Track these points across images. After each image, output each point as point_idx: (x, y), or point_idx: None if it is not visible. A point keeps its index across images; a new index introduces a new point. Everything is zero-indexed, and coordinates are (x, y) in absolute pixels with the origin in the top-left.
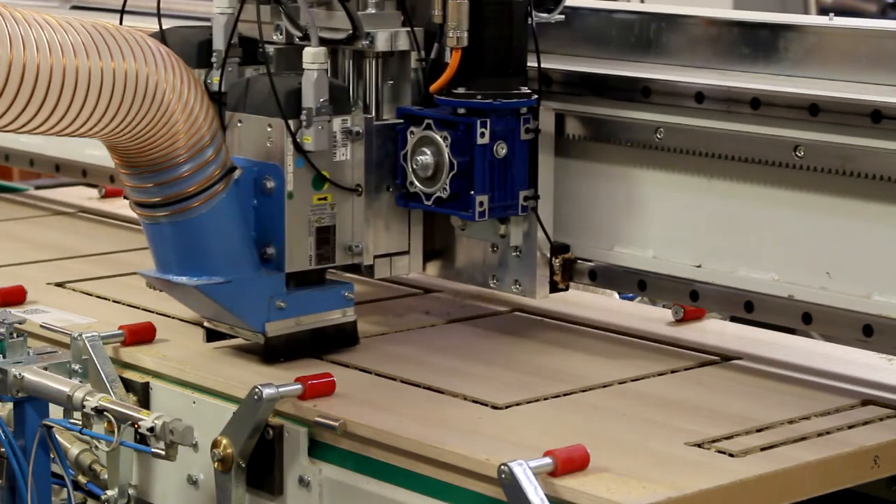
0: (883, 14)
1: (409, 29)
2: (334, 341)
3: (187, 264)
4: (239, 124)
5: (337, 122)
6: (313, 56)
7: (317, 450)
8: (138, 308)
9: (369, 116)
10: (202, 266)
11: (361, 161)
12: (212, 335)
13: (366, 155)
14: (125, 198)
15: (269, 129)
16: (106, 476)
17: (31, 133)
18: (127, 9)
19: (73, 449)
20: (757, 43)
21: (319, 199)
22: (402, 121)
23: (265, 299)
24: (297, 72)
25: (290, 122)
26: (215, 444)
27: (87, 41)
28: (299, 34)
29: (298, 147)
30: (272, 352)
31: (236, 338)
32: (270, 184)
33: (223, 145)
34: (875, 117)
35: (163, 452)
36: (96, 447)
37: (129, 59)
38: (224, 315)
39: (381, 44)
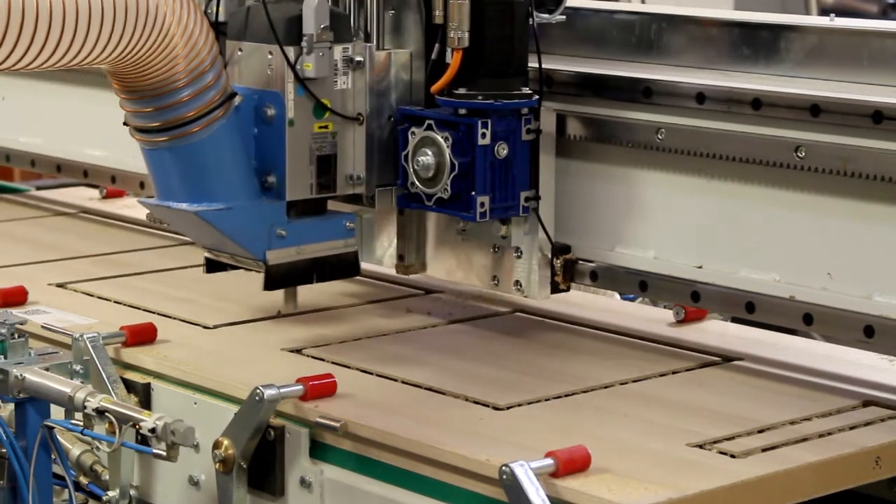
0: (884, 15)
1: None
2: (335, 271)
3: (188, 191)
4: (240, 53)
5: (338, 50)
6: None
7: (318, 451)
8: (139, 309)
9: (370, 45)
10: (202, 192)
11: (363, 90)
12: (212, 265)
13: (367, 84)
14: (125, 124)
15: (269, 57)
16: (107, 477)
17: (35, 69)
18: None
19: (75, 450)
20: (758, 43)
21: (320, 128)
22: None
23: (266, 227)
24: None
25: (291, 49)
26: (216, 445)
27: None
28: None
29: (297, 75)
30: (273, 280)
31: (237, 268)
32: (271, 111)
33: (223, 71)
34: (876, 118)
35: (164, 453)
36: (98, 448)
37: None
38: (225, 244)
39: None
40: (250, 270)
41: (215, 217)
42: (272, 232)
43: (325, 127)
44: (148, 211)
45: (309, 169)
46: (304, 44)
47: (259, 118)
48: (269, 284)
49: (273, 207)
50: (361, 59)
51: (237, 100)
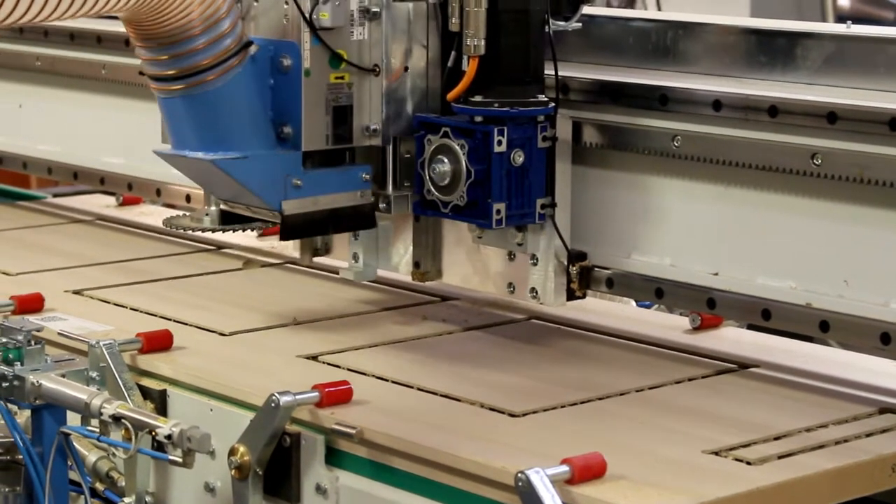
0: None
1: None
2: (351, 222)
3: (203, 140)
4: (256, 4)
5: (354, 1)
6: None
7: (334, 457)
8: (155, 316)
9: None
10: (218, 141)
11: (380, 41)
12: (227, 217)
13: (384, 35)
14: (141, 73)
15: (285, 7)
16: (123, 483)
17: (55, 19)
18: None
19: (91, 456)
20: (774, 51)
21: (336, 79)
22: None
23: (282, 177)
24: None
25: None
26: (232, 452)
27: None
28: None
29: (312, 25)
30: (289, 230)
31: (253, 220)
32: (287, 62)
33: (239, 20)
34: (893, 125)
35: (180, 460)
36: (114, 454)
37: None
38: (241, 194)
39: None
40: (267, 222)
41: (231, 166)
42: (288, 182)
43: (342, 78)
44: (166, 216)
45: (325, 120)
46: None
47: (275, 69)
48: (286, 234)
49: (289, 158)
50: (378, 9)
51: (253, 49)
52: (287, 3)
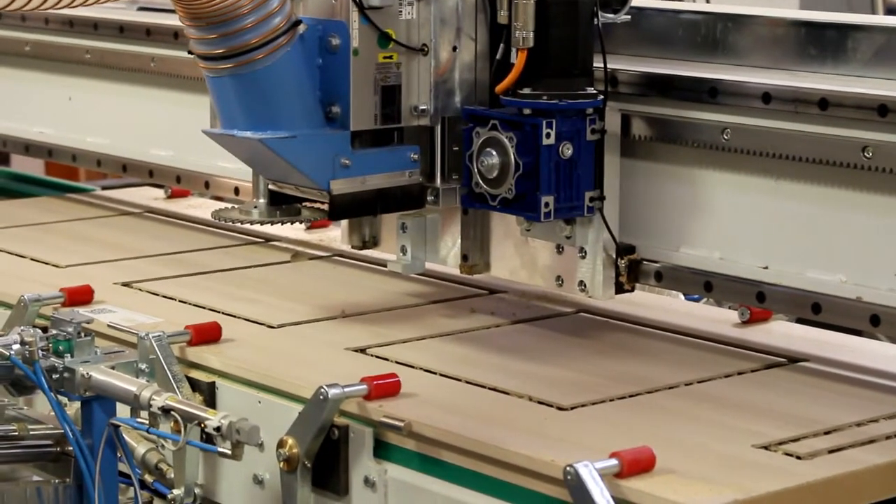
0: None
1: None
2: (399, 202)
3: (252, 119)
4: None
5: None
6: None
7: (382, 450)
8: (204, 308)
9: None
10: (267, 120)
11: (429, 21)
12: (276, 198)
13: (433, 15)
14: (189, 52)
15: None
16: (172, 475)
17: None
18: None
19: (140, 448)
20: (824, 43)
21: (385, 58)
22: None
23: (330, 156)
24: None
25: None
26: (281, 444)
27: None
28: None
29: (361, 4)
30: (337, 209)
31: (302, 200)
32: (336, 41)
33: (290, 0)
34: None
35: (229, 452)
36: (163, 446)
37: None
38: (289, 174)
39: None
40: (314, 202)
41: (279, 145)
42: (336, 161)
43: (390, 57)
44: (214, 209)
45: (373, 99)
46: None
47: (324, 48)
48: (334, 214)
49: (337, 137)
50: None
51: (301, 28)
52: None
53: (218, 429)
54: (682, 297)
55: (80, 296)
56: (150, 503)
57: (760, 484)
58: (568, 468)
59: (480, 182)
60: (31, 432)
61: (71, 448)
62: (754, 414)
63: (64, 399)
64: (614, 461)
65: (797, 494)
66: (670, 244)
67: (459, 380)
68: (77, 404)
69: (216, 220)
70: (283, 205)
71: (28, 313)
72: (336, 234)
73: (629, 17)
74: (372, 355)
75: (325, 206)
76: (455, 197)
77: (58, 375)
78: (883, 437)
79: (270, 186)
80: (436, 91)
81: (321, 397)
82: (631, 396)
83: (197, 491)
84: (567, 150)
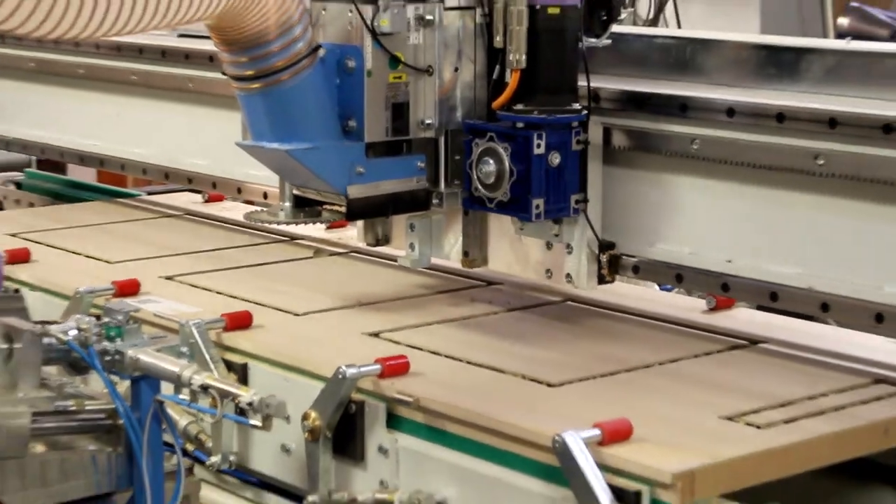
0: (893, 38)
1: None
2: (408, 205)
3: (278, 132)
4: (324, 12)
5: (410, 9)
6: None
7: (393, 422)
8: (237, 298)
9: (440, 5)
10: (292, 134)
11: (433, 45)
12: (300, 201)
13: (437, 40)
14: (223, 74)
15: (349, 15)
16: (210, 444)
17: (152, 28)
18: None
19: (182, 420)
20: (781, 63)
21: (395, 78)
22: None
23: (347, 165)
24: None
25: (369, 8)
26: (305, 417)
27: None
28: None
29: (373, 31)
30: (353, 212)
31: (323, 203)
32: (352, 63)
33: (309, 26)
34: (887, 129)
35: (260, 424)
36: (202, 419)
37: None
38: (311, 180)
39: None
40: (333, 205)
41: (303, 155)
42: (353, 169)
43: (399, 77)
44: (246, 211)
45: (385, 114)
46: (380, 2)
47: (341, 70)
48: (351, 215)
49: (353, 148)
50: (432, 17)
51: (321, 52)
52: (351, 11)
53: (250, 404)
54: (656, 287)
55: (129, 288)
56: (191, 469)
57: (724, 450)
58: (556, 437)
59: (479, 187)
60: (87, 407)
61: (122, 421)
62: (719, 389)
63: (115, 378)
64: (597, 431)
65: (757, 459)
66: (646, 241)
67: (461, 360)
68: (127, 383)
69: (247, 221)
70: (305, 207)
71: (83, 304)
72: (352, 233)
73: (610, 41)
74: (385, 339)
75: (343, 209)
76: (457, 200)
77: (109, 358)
78: (832, 409)
79: (295, 191)
80: (440, 107)
81: (340, 376)
82: (611, 374)
83: (232, 458)
84: (555, 159)
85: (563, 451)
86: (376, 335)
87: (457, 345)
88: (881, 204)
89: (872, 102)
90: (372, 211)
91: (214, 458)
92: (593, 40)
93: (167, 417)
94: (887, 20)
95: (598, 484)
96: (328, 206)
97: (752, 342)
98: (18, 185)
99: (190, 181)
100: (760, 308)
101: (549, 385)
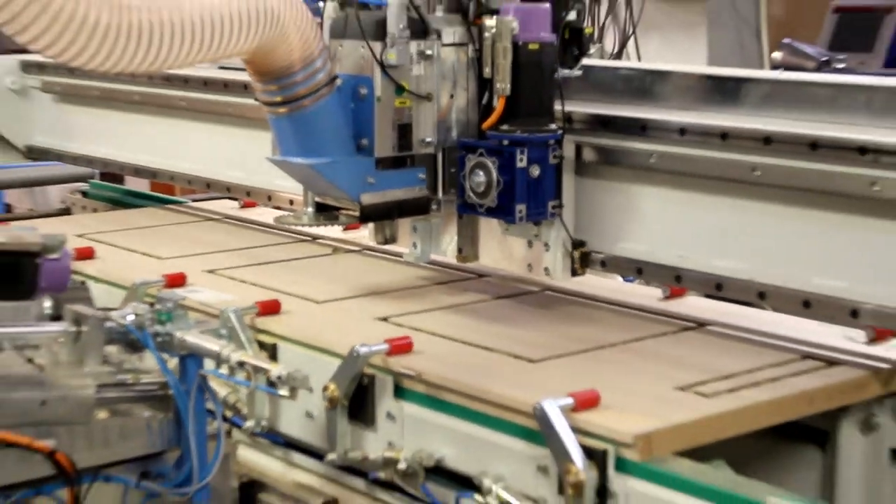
0: (818, 69)
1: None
2: (411, 210)
3: (303, 149)
4: (340, 48)
5: (413, 45)
6: None
7: (400, 393)
8: (268, 288)
9: (438, 41)
10: (313, 150)
11: (433, 76)
12: (320, 207)
13: (436, 71)
14: (256, 100)
15: (362, 50)
16: (245, 411)
17: (198, 62)
18: None
19: (222, 391)
20: (724, 91)
21: (400, 103)
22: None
23: (360, 176)
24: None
25: (378, 44)
26: (325, 388)
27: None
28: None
29: (382, 64)
30: (366, 215)
31: (340, 209)
32: (364, 91)
33: (328, 60)
34: (813, 147)
35: (287, 394)
36: (238, 390)
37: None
38: (330, 189)
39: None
40: (349, 210)
41: (323, 168)
42: (365, 180)
43: (404, 103)
44: (275, 215)
45: (392, 134)
46: (388, 40)
47: (355, 96)
48: (363, 219)
49: (366, 161)
50: (431, 52)
51: (338, 81)
52: (363, 47)
53: (279, 377)
54: (620, 278)
55: (177, 280)
56: (230, 432)
57: (677, 416)
58: (536, 405)
59: (471, 195)
60: (142, 380)
61: (171, 391)
62: (673, 364)
63: (166, 356)
64: (570, 399)
65: (704, 423)
66: (611, 240)
67: (456, 340)
68: (175, 360)
69: (276, 224)
70: (325, 212)
71: (138, 293)
72: (365, 234)
73: (581, 72)
74: (392, 323)
75: (357, 213)
76: (452, 206)
77: (161, 339)
78: (767, 380)
79: (316, 199)
80: (438, 128)
81: (355, 354)
82: (583, 352)
83: (263, 423)
84: (535, 171)
85: (541, 416)
86: (385, 319)
87: (453, 327)
88: (809, 209)
89: (801, 123)
90: (381, 215)
91: (249, 423)
92: (567, 71)
93: (209, 389)
94: (813, 54)
95: (572, 444)
96: (344, 211)
97: (701, 325)
98: (84, 194)
99: (228, 190)
100: (707, 296)
101: (530, 361)
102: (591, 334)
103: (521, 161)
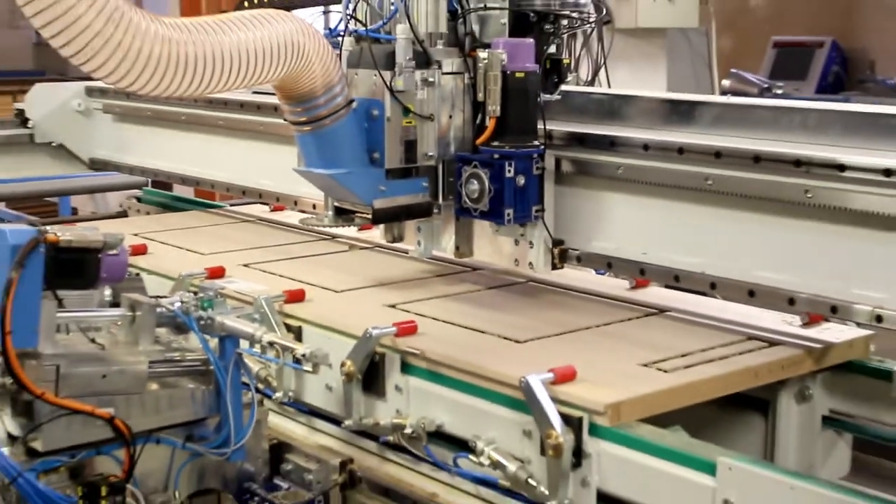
0: (761, 95)
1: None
2: (416, 213)
3: (324, 161)
4: (356, 76)
5: (418, 74)
6: (402, 31)
7: (406, 368)
8: (294, 280)
9: (439, 71)
10: (333, 162)
11: (434, 99)
12: (339, 210)
13: (437, 96)
14: (284, 119)
15: (374, 78)
16: (275, 384)
17: (233, 89)
18: None
19: (255, 367)
20: (681, 113)
21: (406, 123)
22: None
23: (373, 185)
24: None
25: (388, 73)
26: (343, 365)
27: (271, 32)
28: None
29: (391, 89)
30: (378, 218)
31: (355, 212)
32: (376, 112)
33: (345, 86)
34: (756, 160)
35: (310, 370)
36: (269, 366)
37: (290, 33)
38: (347, 196)
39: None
40: (363, 213)
41: (341, 177)
42: (377, 188)
43: (410, 122)
44: (300, 217)
45: (399, 148)
46: (396, 69)
47: (368, 117)
48: (375, 221)
49: (377, 172)
50: (433, 79)
51: (354, 104)
52: (375, 76)
53: (304, 355)
54: (592, 272)
55: (217, 272)
56: (261, 401)
57: (641, 388)
58: (522, 379)
59: (467, 200)
60: (187, 357)
61: (212, 367)
62: (638, 344)
63: (207, 337)
64: (551, 374)
65: (664, 394)
66: (585, 239)
67: (454, 324)
68: (215, 340)
69: (301, 225)
70: (343, 215)
71: (184, 284)
72: (376, 233)
73: (560, 96)
74: (399, 309)
75: (370, 216)
76: (451, 210)
77: (203, 322)
78: (718, 358)
79: (335, 203)
80: (438, 143)
81: (367, 335)
82: (561, 334)
83: (290, 394)
84: (521, 180)
85: (526, 388)
86: (393, 306)
87: (451, 313)
88: (753, 213)
89: (746, 140)
90: (390, 217)
91: (278, 394)
92: (548, 96)
93: (244, 365)
94: (756, 81)
95: (552, 412)
96: (359, 214)
97: (661, 311)
98: (139, 199)
99: (260, 196)
100: (667, 286)
101: (517, 342)
102: (568, 319)
103: (509, 172)
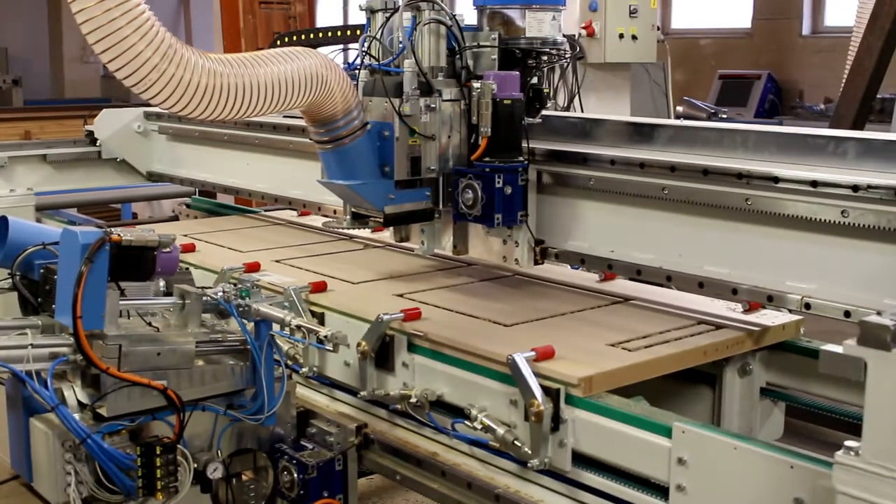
0: (709, 119)
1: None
2: (420, 218)
3: (343, 174)
4: (370, 102)
5: (422, 101)
6: (409, 65)
7: (412, 348)
8: (318, 273)
9: (440, 98)
10: (351, 175)
11: (435, 122)
12: (356, 215)
13: (438, 120)
14: (310, 139)
15: (385, 104)
16: (302, 361)
17: (264, 114)
18: None
19: (285, 346)
20: (642, 134)
21: (413, 142)
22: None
23: (384, 194)
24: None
25: (396, 100)
26: (359, 345)
27: (299, 66)
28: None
29: (399, 114)
30: (388, 222)
31: (369, 217)
32: (386, 133)
33: (362, 110)
34: (704, 173)
35: (331, 349)
36: (297, 346)
37: (315, 67)
38: (362, 203)
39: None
40: (376, 217)
41: (358, 188)
42: (387, 196)
43: (415, 142)
44: (323, 221)
45: (406, 163)
46: (404, 97)
47: (380, 137)
48: (386, 224)
49: (388, 183)
50: (434, 106)
51: (369, 126)
52: (387, 102)
53: (326, 336)
54: (568, 267)
55: (253, 267)
56: (290, 376)
57: (609, 364)
58: (508, 356)
59: (463, 207)
60: (228, 338)
61: (249, 346)
62: (606, 328)
63: (245, 321)
64: (533, 353)
65: (628, 370)
66: (563, 239)
67: (452, 311)
68: (252, 324)
69: (324, 228)
70: (359, 219)
71: (226, 276)
72: (387, 234)
73: (541, 120)
74: (406, 298)
75: (382, 220)
76: (450, 215)
77: (242, 309)
78: (673, 339)
79: (352, 209)
80: (439, 159)
81: (379, 320)
82: (542, 319)
83: (315, 369)
84: (508, 190)
85: (513, 365)
86: (401, 295)
87: (449, 301)
88: (702, 217)
89: (696, 157)
90: (398, 221)
91: (304, 369)
92: (531, 119)
93: (276, 344)
94: (705, 108)
95: (534, 385)
96: (372, 218)
97: (626, 300)
98: (188, 206)
99: (290, 203)
100: (631, 279)
101: (505, 325)
102: (548, 306)
103: (499, 183)
